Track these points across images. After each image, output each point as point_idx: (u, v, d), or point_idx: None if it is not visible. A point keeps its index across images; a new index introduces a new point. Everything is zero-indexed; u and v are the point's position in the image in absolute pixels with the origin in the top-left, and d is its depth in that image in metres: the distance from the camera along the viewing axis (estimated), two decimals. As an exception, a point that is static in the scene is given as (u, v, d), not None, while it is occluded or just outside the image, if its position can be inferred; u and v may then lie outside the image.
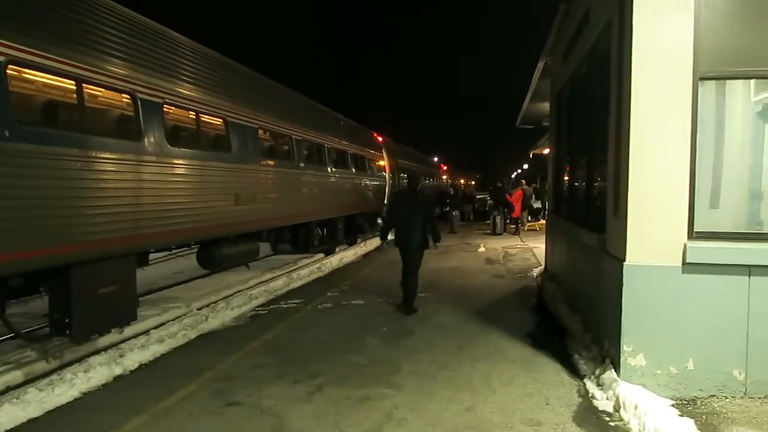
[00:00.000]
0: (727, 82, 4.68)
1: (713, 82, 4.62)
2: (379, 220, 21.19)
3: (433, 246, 8.36)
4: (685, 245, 4.47)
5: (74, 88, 5.79)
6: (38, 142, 5.24)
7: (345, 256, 14.25)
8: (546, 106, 11.79)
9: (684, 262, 4.47)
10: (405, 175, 25.01)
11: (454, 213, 22.24)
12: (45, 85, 5.73)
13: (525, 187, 21.04)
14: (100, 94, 6.37)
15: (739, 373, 4.44)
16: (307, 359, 5.85)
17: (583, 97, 7.26)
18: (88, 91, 6.04)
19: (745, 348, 4.42)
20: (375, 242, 17.84)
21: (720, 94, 4.70)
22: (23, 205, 5.12)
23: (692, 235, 4.52)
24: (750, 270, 4.39)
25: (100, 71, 6.08)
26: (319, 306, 8.54)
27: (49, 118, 5.86)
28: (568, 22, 8.02)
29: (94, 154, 5.91)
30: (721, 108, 4.72)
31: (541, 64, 10.24)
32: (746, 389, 4.43)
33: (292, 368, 5.57)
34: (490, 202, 22.35)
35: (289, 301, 8.92)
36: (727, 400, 4.41)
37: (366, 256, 15.15)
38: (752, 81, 4.69)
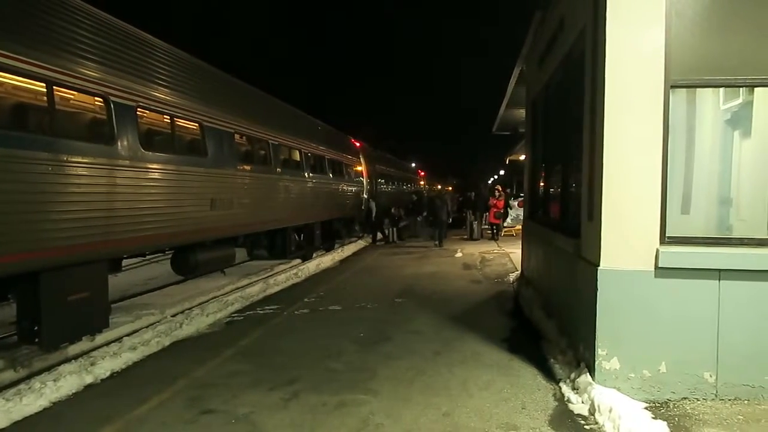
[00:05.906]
0: (697, 90, 4.79)
1: (684, 90, 4.72)
2: (357, 227, 21.19)
3: (447, 221, 19.18)
4: (657, 250, 4.54)
5: (44, 90, 5.66)
6: (5, 145, 5.12)
7: (322, 261, 14.18)
8: (522, 112, 11.92)
9: (656, 267, 4.54)
10: (383, 180, 25.01)
11: (417, 218, 22.60)
12: (13, 87, 5.59)
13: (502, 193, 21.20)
14: (71, 96, 6.26)
15: (710, 376, 4.52)
16: (283, 366, 5.79)
17: (557, 104, 7.35)
18: (59, 93, 5.92)
19: (715, 351, 4.50)
20: (352, 248, 17.83)
21: (690, 102, 4.81)
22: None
23: (664, 240, 4.60)
24: (720, 274, 4.48)
25: (72, 73, 5.96)
26: (295, 312, 8.47)
27: (16, 120, 5.72)
28: (543, 28, 8.12)
29: (64, 158, 5.79)
30: (691, 115, 4.83)
31: (517, 71, 10.33)
32: (717, 391, 4.51)
33: (268, 375, 5.51)
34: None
35: (266, 307, 8.83)
36: (699, 402, 4.48)
37: (343, 261, 15.10)
38: (721, 89, 4.82)
